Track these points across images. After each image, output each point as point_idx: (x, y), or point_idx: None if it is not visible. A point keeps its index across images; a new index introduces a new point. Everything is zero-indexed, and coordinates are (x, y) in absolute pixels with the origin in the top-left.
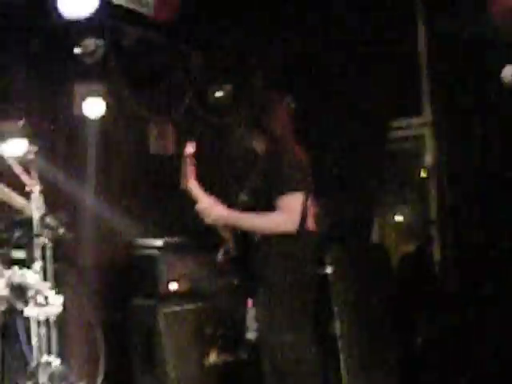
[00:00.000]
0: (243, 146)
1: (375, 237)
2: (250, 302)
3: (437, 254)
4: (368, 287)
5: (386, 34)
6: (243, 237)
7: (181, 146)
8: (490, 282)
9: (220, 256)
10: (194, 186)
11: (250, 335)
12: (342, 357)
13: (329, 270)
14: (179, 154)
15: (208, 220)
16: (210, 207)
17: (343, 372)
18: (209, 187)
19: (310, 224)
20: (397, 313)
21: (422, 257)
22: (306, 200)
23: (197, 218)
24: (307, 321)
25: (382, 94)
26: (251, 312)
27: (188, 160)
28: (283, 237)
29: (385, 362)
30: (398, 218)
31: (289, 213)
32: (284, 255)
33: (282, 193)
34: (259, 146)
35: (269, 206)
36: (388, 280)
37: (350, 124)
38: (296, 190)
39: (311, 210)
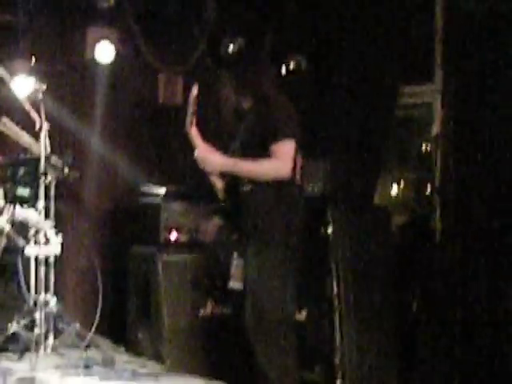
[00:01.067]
0: (231, 103)
1: (379, 201)
2: (234, 252)
3: (438, 224)
4: (367, 249)
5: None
6: (234, 187)
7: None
8: (490, 255)
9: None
10: (194, 133)
11: (235, 285)
12: (336, 316)
13: (329, 229)
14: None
15: (205, 167)
16: (208, 154)
17: (337, 332)
18: (207, 136)
19: (298, 176)
20: (395, 276)
21: (423, 224)
22: (296, 150)
23: (195, 165)
24: (298, 274)
25: (394, 59)
26: (237, 262)
27: (192, 104)
28: (273, 186)
29: (381, 323)
30: (402, 185)
31: (283, 159)
32: (274, 205)
33: (276, 139)
34: (246, 103)
35: (260, 155)
36: (388, 244)
37: (361, 87)
38: (289, 136)
39: (298, 162)
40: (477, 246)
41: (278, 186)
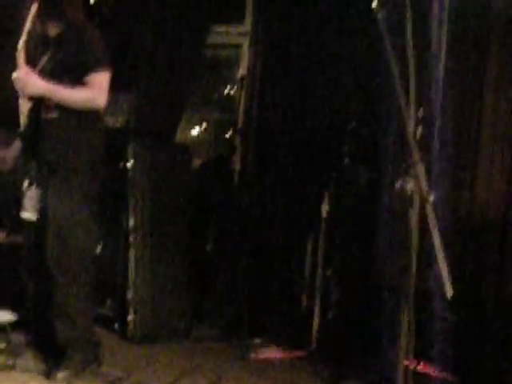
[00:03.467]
0: (38, 30)
1: (180, 140)
2: (26, 181)
3: (238, 165)
4: (166, 186)
5: None
6: (37, 113)
7: None
8: (286, 197)
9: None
10: (21, 54)
11: (27, 215)
12: (132, 251)
13: (129, 163)
14: None
15: (24, 89)
16: (30, 77)
17: (132, 267)
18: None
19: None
20: (192, 216)
21: (223, 164)
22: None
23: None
24: (97, 209)
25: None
26: (30, 192)
27: (29, 23)
28: (78, 116)
29: (176, 260)
30: (205, 125)
31: (99, 89)
32: (79, 135)
33: (93, 70)
34: (52, 30)
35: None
36: (188, 182)
37: (172, 23)
38: (105, 67)
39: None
40: (274, 188)
41: (83, 116)
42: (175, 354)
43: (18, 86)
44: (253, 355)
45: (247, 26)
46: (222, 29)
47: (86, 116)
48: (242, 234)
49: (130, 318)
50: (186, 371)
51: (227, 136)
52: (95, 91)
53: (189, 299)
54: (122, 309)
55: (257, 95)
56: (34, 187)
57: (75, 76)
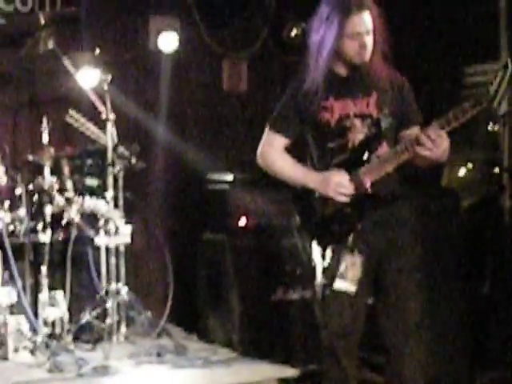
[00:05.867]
0: None
1: (446, 183)
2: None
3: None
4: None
5: None
6: None
7: (253, 83)
8: None
9: None
10: None
11: (346, 286)
12: None
13: None
14: (252, 92)
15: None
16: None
17: None
18: None
19: None
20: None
21: (492, 204)
22: None
23: None
24: None
25: (459, 38)
26: (351, 258)
27: None
28: None
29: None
30: (470, 166)
31: None
32: None
33: None
34: None
35: None
36: (458, 226)
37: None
38: None
39: None
40: None
41: None
42: None
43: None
44: None
45: (503, 61)
46: (476, 68)
47: None
48: None
49: None
50: None
51: (494, 174)
52: None
53: (469, 344)
54: None
55: None
56: (356, 253)
57: None
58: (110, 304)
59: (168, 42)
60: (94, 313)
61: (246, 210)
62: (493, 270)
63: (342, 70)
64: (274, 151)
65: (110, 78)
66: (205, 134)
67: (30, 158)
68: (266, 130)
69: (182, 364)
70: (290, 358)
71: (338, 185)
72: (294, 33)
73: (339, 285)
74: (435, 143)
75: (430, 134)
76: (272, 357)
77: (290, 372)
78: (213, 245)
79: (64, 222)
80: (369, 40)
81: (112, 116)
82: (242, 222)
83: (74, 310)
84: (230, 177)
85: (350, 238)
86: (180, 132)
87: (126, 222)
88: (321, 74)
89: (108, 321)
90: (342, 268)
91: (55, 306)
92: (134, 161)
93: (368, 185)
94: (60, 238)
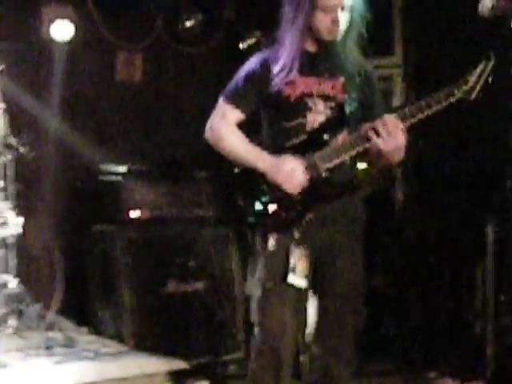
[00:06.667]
0: None
1: None
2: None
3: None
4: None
5: None
6: None
7: (148, 74)
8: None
9: None
10: None
11: (298, 282)
12: None
13: None
14: (146, 83)
15: None
16: None
17: None
18: None
19: None
20: None
21: (384, 197)
22: None
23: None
24: None
25: None
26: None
27: None
28: None
29: None
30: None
31: None
32: None
33: None
34: None
35: None
36: None
37: None
38: None
39: None
40: (438, 214)
41: None
42: None
43: None
44: None
45: (398, 56)
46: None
47: None
48: (409, 264)
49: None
50: None
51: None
52: None
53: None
54: None
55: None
56: (304, 246)
57: None
58: None
59: (62, 30)
60: None
61: (138, 202)
62: (383, 263)
63: (310, 47)
64: (226, 125)
65: (2, 66)
66: (98, 124)
67: None
68: (220, 101)
69: (71, 357)
70: (183, 351)
71: (290, 173)
72: (188, 24)
73: (292, 279)
74: (390, 134)
75: (387, 123)
76: (164, 350)
77: (179, 365)
78: (104, 236)
79: None
80: (342, 16)
81: (2, 105)
82: (134, 213)
83: None
84: (123, 168)
85: (297, 231)
86: (73, 122)
87: (18, 214)
88: (295, 48)
89: None
90: (292, 262)
91: None
92: (22, 150)
93: (323, 171)
94: None
